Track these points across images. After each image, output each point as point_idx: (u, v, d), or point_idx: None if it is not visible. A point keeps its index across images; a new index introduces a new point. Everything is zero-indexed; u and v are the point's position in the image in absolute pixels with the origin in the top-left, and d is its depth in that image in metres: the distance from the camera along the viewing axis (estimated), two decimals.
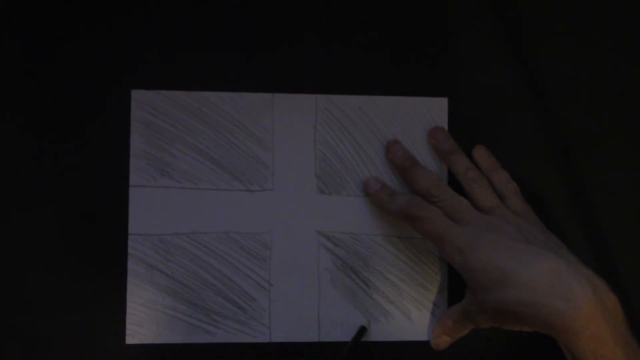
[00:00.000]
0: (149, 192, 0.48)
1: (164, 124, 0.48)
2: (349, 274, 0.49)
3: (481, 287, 0.43)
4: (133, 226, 0.48)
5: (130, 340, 0.47)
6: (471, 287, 0.45)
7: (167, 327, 0.47)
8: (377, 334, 0.49)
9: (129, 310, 0.47)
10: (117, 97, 0.48)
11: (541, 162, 0.50)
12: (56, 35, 0.48)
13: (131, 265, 0.47)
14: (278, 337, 0.48)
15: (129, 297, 0.47)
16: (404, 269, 0.49)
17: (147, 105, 0.48)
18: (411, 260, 0.49)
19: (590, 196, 0.50)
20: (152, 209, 0.48)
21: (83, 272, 0.47)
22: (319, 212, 0.49)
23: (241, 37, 0.49)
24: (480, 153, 0.49)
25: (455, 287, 0.49)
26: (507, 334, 0.45)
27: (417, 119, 0.49)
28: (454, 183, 0.48)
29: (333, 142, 0.49)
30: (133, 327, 0.47)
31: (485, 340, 0.49)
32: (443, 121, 0.50)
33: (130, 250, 0.47)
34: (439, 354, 0.48)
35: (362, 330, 0.48)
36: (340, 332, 0.48)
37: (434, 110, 0.49)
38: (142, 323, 0.47)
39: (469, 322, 0.46)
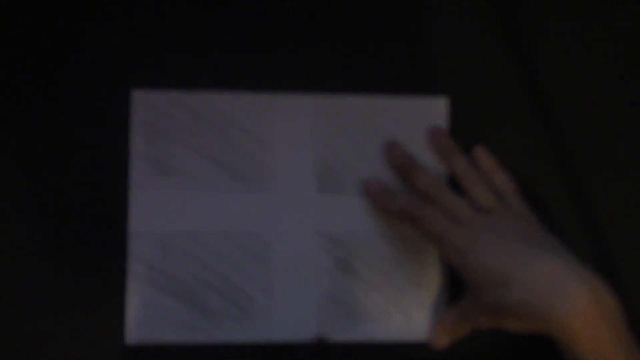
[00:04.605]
0: (149, 192, 0.48)
1: (164, 124, 0.48)
2: (349, 274, 0.49)
3: (481, 287, 0.43)
4: (133, 226, 0.48)
5: (130, 340, 0.47)
6: (471, 287, 0.45)
7: (167, 327, 0.47)
8: (377, 334, 0.49)
9: (129, 310, 0.47)
10: (117, 97, 0.48)
11: (541, 162, 0.50)
12: (56, 35, 0.48)
13: (131, 265, 0.48)
14: (278, 337, 0.48)
15: (129, 297, 0.47)
16: (404, 268, 0.49)
17: (147, 106, 0.48)
18: (411, 260, 0.49)
19: (590, 196, 0.50)
20: (152, 209, 0.48)
21: (83, 272, 0.47)
22: (319, 212, 0.49)
23: (241, 37, 0.49)
24: (480, 153, 0.49)
25: (455, 287, 0.49)
26: (507, 334, 0.45)
27: (417, 119, 0.49)
28: (454, 183, 0.49)
29: (333, 142, 0.49)
30: (133, 327, 0.47)
31: (485, 340, 0.49)
32: (443, 121, 0.49)
33: (130, 250, 0.48)
34: (439, 354, 0.48)
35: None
36: (341, 333, 0.48)
37: (434, 110, 0.49)
38: (142, 323, 0.47)
39: (469, 322, 0.46)
